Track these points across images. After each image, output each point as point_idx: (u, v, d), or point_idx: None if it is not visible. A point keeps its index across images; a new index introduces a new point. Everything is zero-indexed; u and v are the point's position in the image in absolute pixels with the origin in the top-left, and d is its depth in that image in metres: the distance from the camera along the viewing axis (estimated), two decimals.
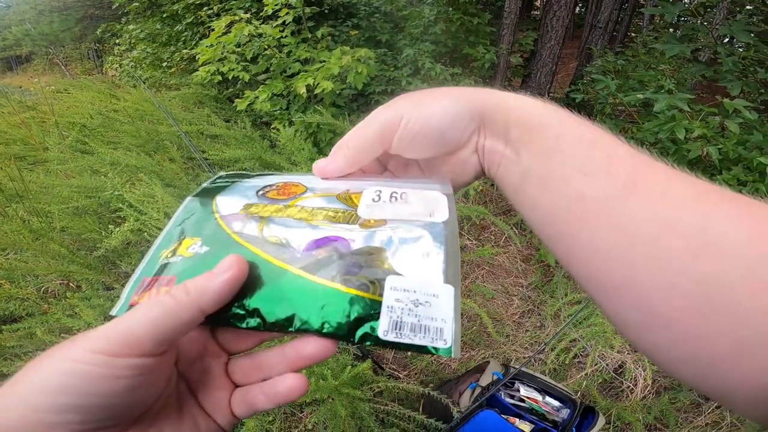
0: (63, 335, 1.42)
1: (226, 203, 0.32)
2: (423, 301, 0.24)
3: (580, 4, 9.12)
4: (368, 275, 0.26)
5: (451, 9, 3.34)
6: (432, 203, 0.30)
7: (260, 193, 0.33)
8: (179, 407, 0.27)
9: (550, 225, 0.28)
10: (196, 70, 2.73)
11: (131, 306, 0.27)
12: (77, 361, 0.21)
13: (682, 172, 0.25)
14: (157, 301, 0.23)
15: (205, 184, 0.35)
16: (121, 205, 1.51)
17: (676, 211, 0.22)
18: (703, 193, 0.23)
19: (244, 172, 0.36)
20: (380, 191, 0.31)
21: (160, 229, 1.20)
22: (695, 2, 3.25)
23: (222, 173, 0.36)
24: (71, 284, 1.92)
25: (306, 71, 2.50)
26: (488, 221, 2.73)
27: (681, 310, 0.20)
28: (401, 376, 1.85)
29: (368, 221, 0.29)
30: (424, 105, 0.30)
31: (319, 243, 0.28)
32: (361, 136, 0.31)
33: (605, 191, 0.25)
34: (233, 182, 0.35)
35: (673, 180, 0.24)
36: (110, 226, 1.58)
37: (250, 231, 0.29)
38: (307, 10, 2.80)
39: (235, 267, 0.25)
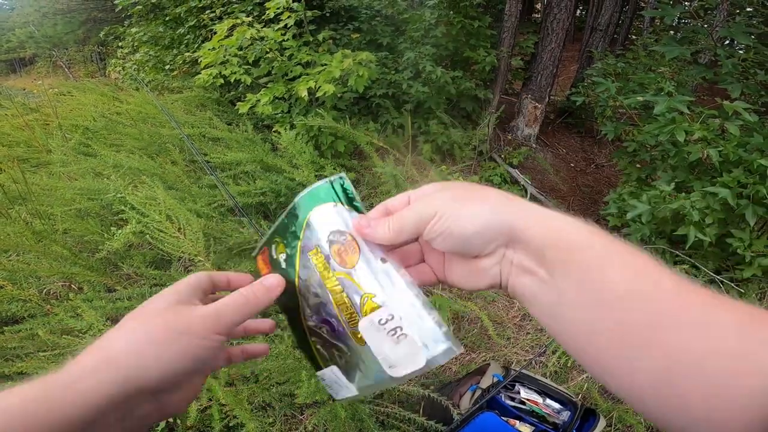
0: (65, 336, 1.43)
1: (312, 230, 0.38)
2: None
3: (580, 7, 9.13)
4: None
5: (451, 12, 3.36)
6: (417, 358, 0.33)
7: (330, 239, 0.37)
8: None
9: (586, 346, 0.28)
10: (199, 73, 2.74)
11: (257, 259, 0.44)
12: (196, 341, 0.32)
13: (723, 297, 0.25)
14: (240, 294, 0.35)
15: (323, 183, 0.39)
16: (123, 207, 1.52)
17: (718, 340, 0.23)
18: (744, 319, 0.23)
19: (348, 187, 0.39)
20: (390, 317, 0.34)
21: (162, 232, 1.19)
22: (695, 4, 3.25)
23: (343, 175, 0.40)
24: (73, 286, 1.93)
25: (307, 74, 2.51)
26: None
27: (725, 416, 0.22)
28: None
29: (358, 335, 0.35)
30: (459, 205, 0.32)
31: (324, 321, 0.38)
32: (401, 220, 0.34)
33: (648, 319, 0.25)
34: (332, 200, 0.38)
35: (716, 307, 0.24)
36: (112, 229, 1.58)
37: (306, 280, 0.39)
38: (309, 13, 2.81)
39: (280, 288, 0.38)
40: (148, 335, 0.30)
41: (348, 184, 0.38)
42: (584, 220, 0.30)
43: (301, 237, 0.39)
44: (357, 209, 0.37)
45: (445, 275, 0.38)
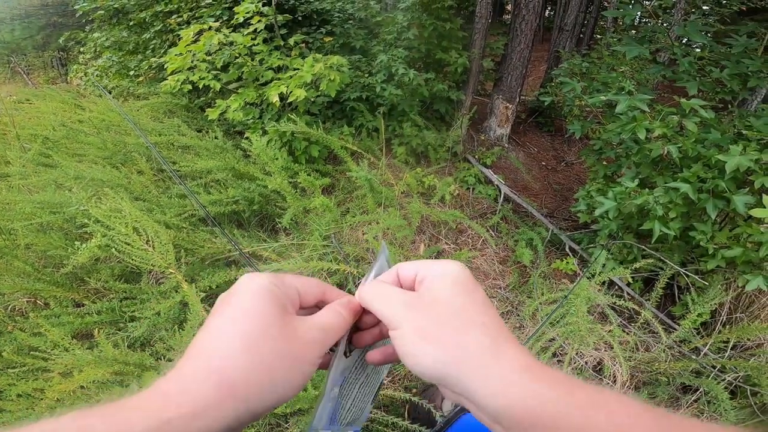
0: (33, 352, 1.36)
1: None
2: None
3: (549, 7, 9.37)
4: None
5: (424, 15, 3.38)
6: None
7: None
8: None
9: None
10: (165, 78, 2.67)
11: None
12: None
13: None
14: (340, 316, 0.35)
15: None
16: (86, 220, 1.46)
17: None
18: None
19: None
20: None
21: (129, 245, 1.15)
22: (653, 4, 3.39)
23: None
24: (39, 302, 1.85)
25: (279, 79, 2.48)
26: (465, 225, 2.76)
27: None
28: (385, 382, 1.85)
29: None
30: (416, 340, 0.32)
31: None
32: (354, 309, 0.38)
33: None
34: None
35: None
36: (77, 243, 1.52)
37: None
38: (280, 17, 2.78)
39: (357, 311, 0.38)
40: (263, 362, 0.29)
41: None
42: (555, 378, 0.28)
43: None
44: None
45: None
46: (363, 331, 0.39)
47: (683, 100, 2.12)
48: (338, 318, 0.35)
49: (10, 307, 1.79)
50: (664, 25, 3.15)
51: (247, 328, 0.30)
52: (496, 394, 0.27)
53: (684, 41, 3.24)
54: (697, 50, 2.56)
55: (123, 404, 0.26)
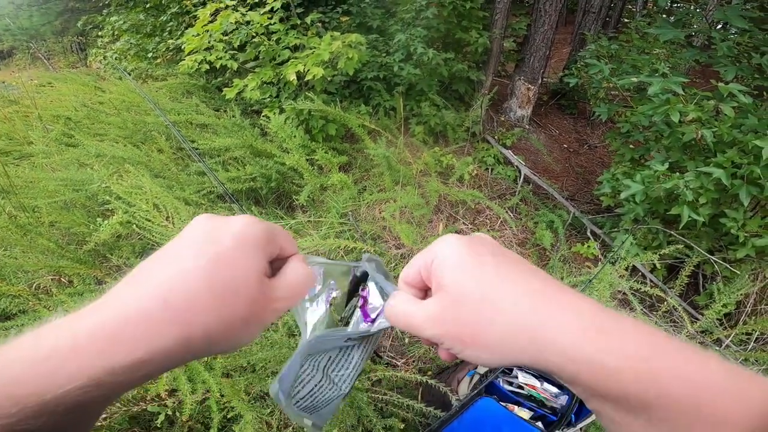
0: None
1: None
2: None
3: None
4: None
5: None
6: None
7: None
8: None
9: None
10: (183, 60, 2.66)
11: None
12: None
13: None
14: (308, 278, 0.33)
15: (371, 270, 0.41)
16: (108, 197, 1.47)
17: None
18: None
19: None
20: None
21: (149, 221, 1.16)
22: None
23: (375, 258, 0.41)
24: (63, 279, 1.89)
25: (296, 58, 2.45)
26: (483, 205, 2.71)
27: None
28: (399, 364, 1.85)
29: None
30: (461, 342, 0.29)
31: None
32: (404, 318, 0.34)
33: None
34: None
35: None
36: (99, 220, 1.54)
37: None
38: None
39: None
40: (222, 316, 0.26)
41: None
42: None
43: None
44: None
45: None
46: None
47: (721, 84, 2.02)
48: (306, 279, 0.32)
49: (34, 285, 1.82)
50: (699, 9, 2.99)
51: (223, 275, 0.26)
52: (586, 362, 0.24)
53: (719, 26, 3.08)
54: (734, 35, 2.43)
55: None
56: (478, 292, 0.28)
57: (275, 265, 0.32)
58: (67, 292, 1.63)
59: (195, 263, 0.26)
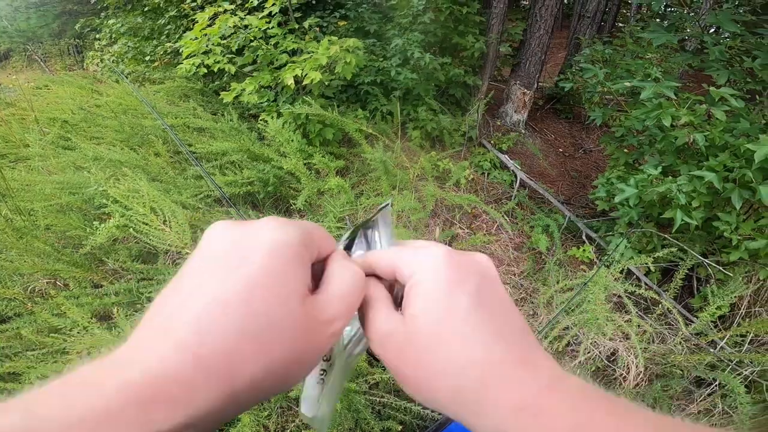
0: (52, 335, 1.39)
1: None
2: None
3: None
4: None
5: None
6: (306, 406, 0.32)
7: None
8: None
9: None
10: (180, 63, 2.67)
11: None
12: None
13: None
14: (355, 275, 0.27)
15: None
16: (105, 201, 1.47)
17: None
18: None
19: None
20: (328, 357, 0.32)
21: (146, 225, 1.16)
22: None
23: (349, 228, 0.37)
24: (58, 283, 1.88)
25: (294, 62, 2.46)
26: (480, 210, 2.73)
27: None
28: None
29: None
30: (412, 375, 0.26)
31: None
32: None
33: None
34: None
35: None
36: (95, 223, 1.54)
37: None
38: (294, 0, 2.75)
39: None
40: (269, 366, 0.21)
41: (346, 234, 0.35)
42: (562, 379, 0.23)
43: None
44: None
45: None
46: None
47: (713, 88, 2.05)
48: (359, 284, 0.27)
49: (29, 288, 1.82)
50: (691, 14, 3.03)
51: (259, 308, 0.21)
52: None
53: (711, 30, 3.12)
54: (726, 39, 2.46)
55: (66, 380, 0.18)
56: (436, 335, 0.24)
57: (314, 269, 0.26)
58: (64, 295, 1.62)
59: (223, 295, 0.21)
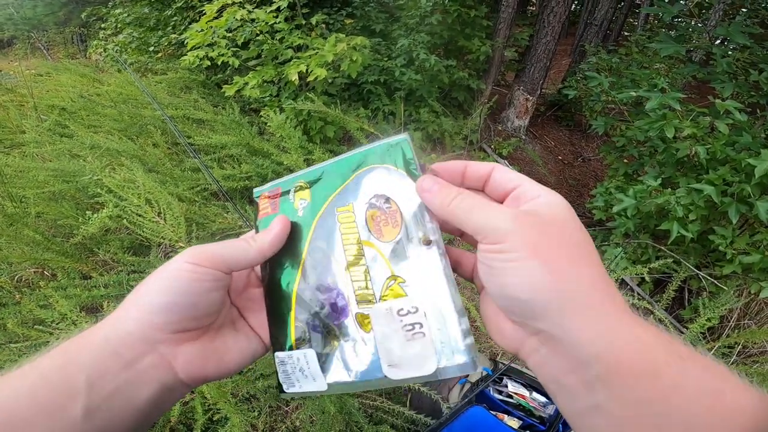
0: (36, 327, 1.36)
1: (354, 187, 0.34)
2: None
3: (575, 1, 9.13)
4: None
5: (448, 0, 3.30)
6: (426, 365, 0.28)
7: (372, 201, 0.33)
8: (234, 325, 0.37)
9: None
10: (184, 55, 2.64)
11: (260, 197, 0.39)
12: (175, 269, 0.31)
13: None
14: (238, 241, 0.35)
15: (382, 143, 0.34)
16: (99, 190, 1.45)
17: None
18: None
19: (409, 152, 0.33)
20: (414, 310, 0.29)
21: (141, 216, 1.13)
22: (692, 3, 3.26)
23: (406, 136, 0.34)
24: (46, 273, 1.85)
25: (299, 58, 2.44)
26: None
27: None
28: None
29: (365, 319, 0.30)
30: (518, 264, 0.27)
31: (327, 290, 0.33)
32: (467, 213, 0.30)
33: None
34: (390, 163, 0.33)
35: None
36: (88, 213, 1.51)
37: (319, 238, 0.34)
38: None
39: (280, 226, 0.35)
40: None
41: (409, 148, 0.33)
42: (654, 326, 0.25)
43: (338, 189, 0.34)
44: (413, 175, 0.32)
45: (481, 283, 0.31)
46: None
47: (718, 101, 2.04)
48: (248, 252, 0.34)
49: (16, 277, 1.78)
50: (700, 25, 3.03)
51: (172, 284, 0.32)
52: (600, 336, 0.24)
53: (717, 42, 3.11)
54: (734, 52, 2.46)
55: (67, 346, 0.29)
56: (578, 236, 0.27)
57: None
58: (51, 286, 1.59)
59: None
